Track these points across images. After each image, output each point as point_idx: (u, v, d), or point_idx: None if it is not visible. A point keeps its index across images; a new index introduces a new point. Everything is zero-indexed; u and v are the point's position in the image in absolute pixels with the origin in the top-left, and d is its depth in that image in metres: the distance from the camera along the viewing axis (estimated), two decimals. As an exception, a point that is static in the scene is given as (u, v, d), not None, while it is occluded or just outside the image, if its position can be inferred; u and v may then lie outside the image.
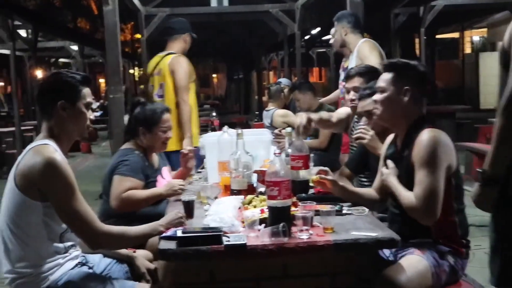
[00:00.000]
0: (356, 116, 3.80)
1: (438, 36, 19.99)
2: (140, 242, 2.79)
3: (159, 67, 5.13)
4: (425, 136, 2.61)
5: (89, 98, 2.60)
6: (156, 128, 3.54)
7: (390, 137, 2.98)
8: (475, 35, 24.88)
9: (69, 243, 2.56)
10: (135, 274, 2.87)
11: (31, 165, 2.38)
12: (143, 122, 3.54)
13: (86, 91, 2.58)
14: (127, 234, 2.57)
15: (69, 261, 2.56)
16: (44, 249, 2.46)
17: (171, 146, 4.73)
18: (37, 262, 2.45)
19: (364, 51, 4.57)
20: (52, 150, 2.41)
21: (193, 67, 5.16)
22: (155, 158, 3.69)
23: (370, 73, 3.65)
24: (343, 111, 3.96)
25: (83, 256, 2.70)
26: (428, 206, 2.55)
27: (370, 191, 3.02)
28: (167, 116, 3.62)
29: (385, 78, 2.80)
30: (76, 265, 2.60)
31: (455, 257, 2.68)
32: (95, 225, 2.44)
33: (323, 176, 2.88)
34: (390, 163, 2.82)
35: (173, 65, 5.01)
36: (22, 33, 12.09)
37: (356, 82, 3.67)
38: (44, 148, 2.41)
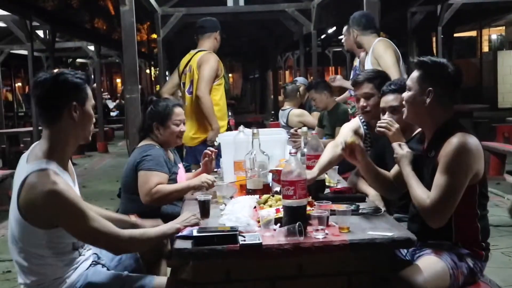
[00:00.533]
0: (364, 121, 3.76)
1: (455, 35, 19.80)
2: (159, 241, 2.80)
3: (190, 64, 5.21)
4: (455, 140, 2.53)
5: (93, 99, 2.52)
6: (169, 121, 3.58)
7: (418, 130, 2.95)
8: (493, 34, 24.62)
9: (80, 244, 2.54)
10: (146, 262, 2.90)
11: (34, 198, 2.26)
12: (156, 117, 3.59)
13: (90, 91, 2.51)
14: (146, 235, 2.56)
15: (84, 262, 2.57)
16: (59, 262, 2.43)
17: (199, 140, 4.82)
18: (53, 273, 2.43)
19: (378, 50, 4.58)
20: (52, 179, 2.26)
21: (222, 64, 5.22)
22: (170, 154, 3.72)
23: (379, 78, 3.63)
24: (346, 129, 3.79)
25: (95, 254, 2.71)
26: (439, 212, 2.53)
27: (390, 175, 2.99)
28: (179, 109, 3.67)
29: (413, 76, 2.72)
30: (91, 264, 2.62)
31: (474, 260, 2.66)
32: (116, 234, 2.40)
33: (358, 141, 2.82)
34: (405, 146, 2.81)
35: (201, 61, 5.09)
36: (40, 33, 12.17)
37: (365, 88, 3.60)
38: (44, 178, 2.26)
